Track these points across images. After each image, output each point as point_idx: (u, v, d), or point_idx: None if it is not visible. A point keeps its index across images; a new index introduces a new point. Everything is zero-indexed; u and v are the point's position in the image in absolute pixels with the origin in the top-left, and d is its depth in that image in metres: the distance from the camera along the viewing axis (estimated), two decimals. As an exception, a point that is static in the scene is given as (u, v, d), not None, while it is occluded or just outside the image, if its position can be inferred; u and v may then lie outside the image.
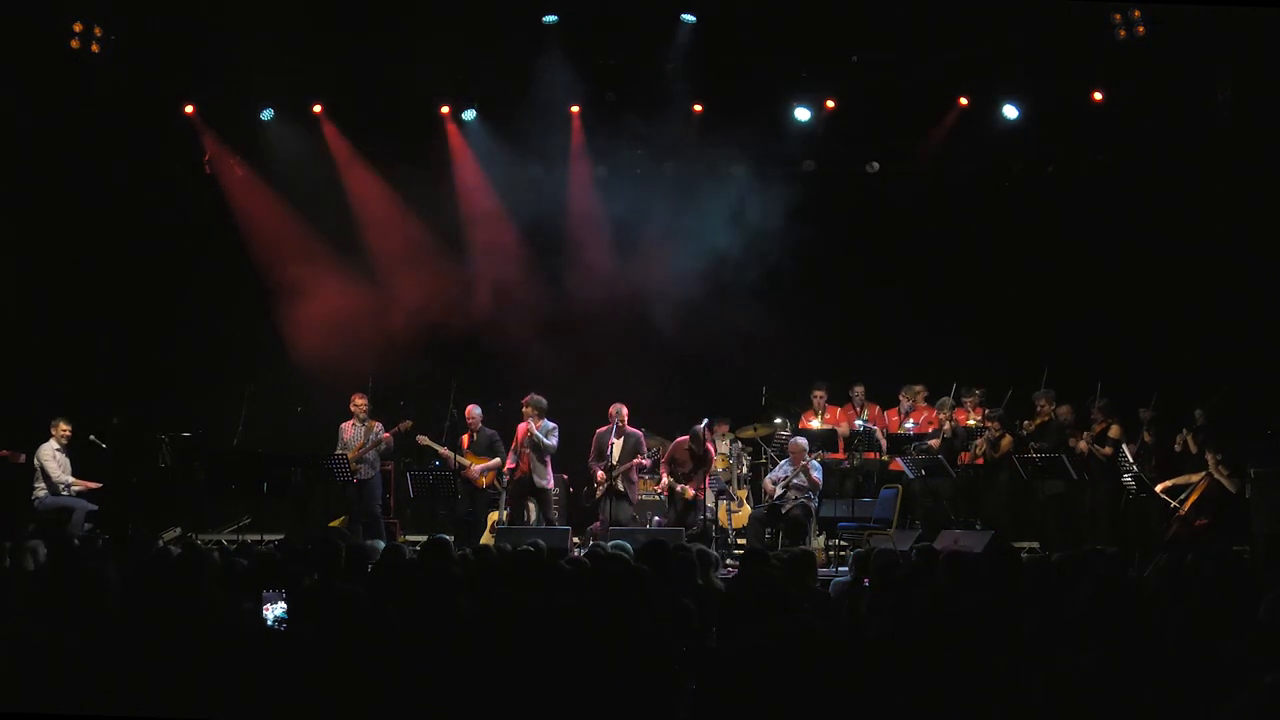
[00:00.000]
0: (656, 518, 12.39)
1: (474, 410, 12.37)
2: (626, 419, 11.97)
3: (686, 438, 11.95)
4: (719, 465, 12.65)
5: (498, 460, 12.27)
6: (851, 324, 13.77)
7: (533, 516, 12.08)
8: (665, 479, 11.99)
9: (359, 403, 12.33)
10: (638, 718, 4.51)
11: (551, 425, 11.98)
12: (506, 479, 12.04)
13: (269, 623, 5.25)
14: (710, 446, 12.07)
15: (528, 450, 11.92)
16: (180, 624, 4.92)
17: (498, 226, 14.04)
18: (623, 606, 5.08)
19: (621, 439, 11.89)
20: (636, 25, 12.56)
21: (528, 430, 11.88)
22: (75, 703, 4.55)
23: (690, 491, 11.84)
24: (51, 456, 11.69)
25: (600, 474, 11.84)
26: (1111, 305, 13.21)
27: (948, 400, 12.53)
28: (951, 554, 6.82)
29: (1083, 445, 11.81)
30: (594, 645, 4.69)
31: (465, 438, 12.38)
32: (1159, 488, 11.31)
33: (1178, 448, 11.64)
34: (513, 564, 6.56)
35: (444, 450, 12.24)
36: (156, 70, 12.48)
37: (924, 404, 12.91)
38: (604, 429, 12.01)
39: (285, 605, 5.32)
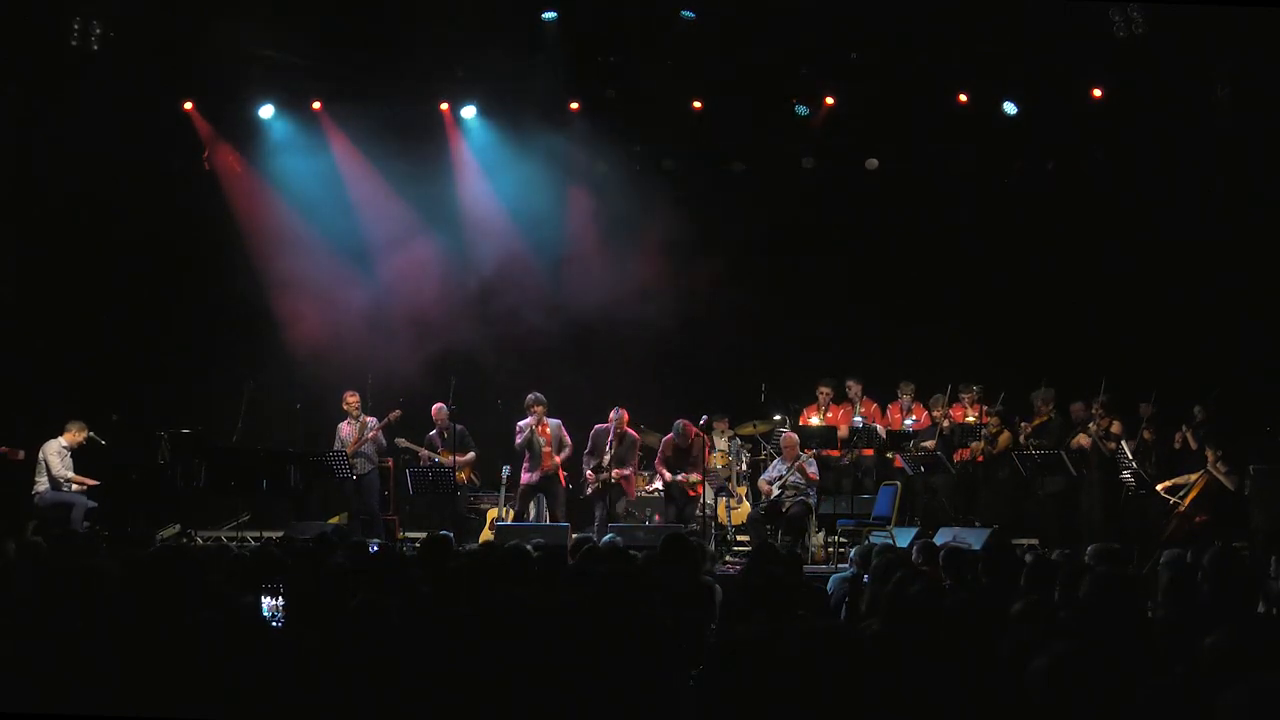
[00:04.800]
0: (656, 516, 12.47)
1: (440, 408, 12.44)
2: (626, 423, 12.11)
3: (671, 434, 12.19)
4: (719, 462, 12.69)
5: (473, 454, 12.44)
6: (850, 321, 13.77)
7: (542, 513, 12.12)
8: (666, 475, 12.12)
9: (351, 400, 12.42)
10: (639, 714, 4.52)
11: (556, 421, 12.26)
12: (537, 477, 12.07)
13: (267, 616, 5.23)
14: (704, 437, 12.29)
15: (551, 449, 12.03)
16: (176, 622, 4.92)
17: (496, 222, 14.05)
18: (624, 602, 5.09)
19: (619, 442, 12.01)
20: (636, 21, 12.56)
21: (548, 429, 12.01)
22: (75, 702, 4.54)
23: (695, 478, 12.04)
24: (57, 452, 11.70)
25: (589, 474, 12.02)
26: (1111, 303, 13.21)
27: (941, 398, 12.54)
28: (951, 550, 6.84)
29: (1084, 439, 11.80)
30: (595, 641, 4.70)
31: (435, 436, 12.46)
32: (1160, 487, 11.30)
33: (1177, 445, 11.66)
34: (514, 561, 6.56)
35: (423, 451, 12.41)
36: (156, 67, 12.47)
37: (917, 401, 12.94)
38: (602, 426, 12.14)
39: (283, 600, 5.31)
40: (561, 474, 12.30)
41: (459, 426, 12.41)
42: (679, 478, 12.16)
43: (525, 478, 12.11)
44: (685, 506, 12.15)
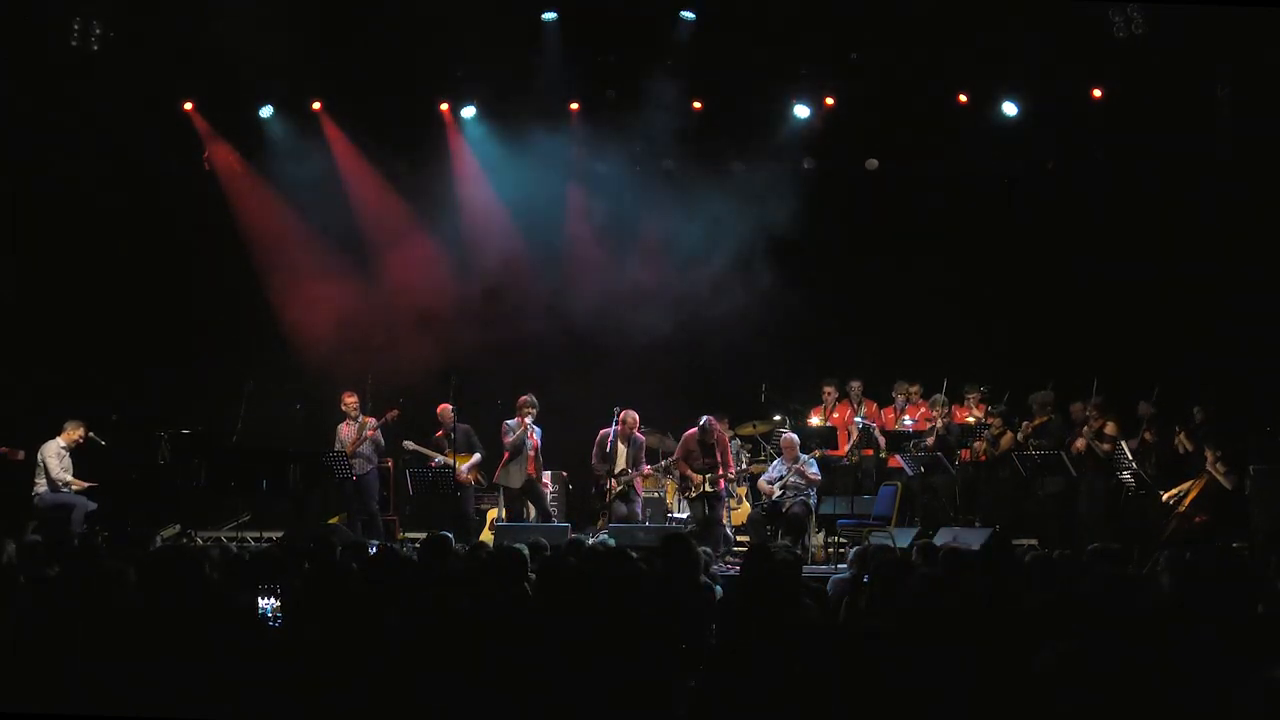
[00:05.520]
0: (683, 515, 12.34)
1: (446, 408, 12.32)
2: (636, 426, 12.03)
3: (695, 430, 11.97)
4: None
5: (479, 455, 12.37)
6: (850, 321, 13.77)
7: (532, 514, 12.14)
8: (696, 479, 11.87)
9: (349, 401, 12.39)
10: (639, 714, 4.52)
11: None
12: (521, 481, 12.04)
13: (265, 615, 5.22)
14: (724, 436, 12.15)
15: (532, 454, 12.02)
16: (178, 622, 4.92)
17: (496, 223, 14.06)
18: (624, 602, 5.09)
19: (628, 445, 11.96)
20: (636, 22, 12.57)
21: (535, 435, 12.01)
22: (75, 702, 4.54)
23: (721, 483, 11.92)
24: (55, 454, 11.68)
25: (612, 482, 11.92)
26: (1111, 302, 13.20)
27: (940, 397, 12.53)
28: (950, 551, 6.83)
29: (1080, 444, 11.79)
30: (595, 641, 4.70)
31: (441, 436, 12.42)
32: (1165, 496, 11.28)
33: (1180, 449, 11.64)
34: (512, 562, 6.56)
35: (435, 455, 12.32)
36: (156, 67, 12.47)
37: (920, 400, 12.94)
38: (606, 429, 12.05)
39: (281, 599, 5.29)
40: (563, 475, 12.24)
41: (463, 426, 12.38)
42: (721, 476, 11.91)
43: (501, 476, 12.04)
44: (717, 505, 11.92)
